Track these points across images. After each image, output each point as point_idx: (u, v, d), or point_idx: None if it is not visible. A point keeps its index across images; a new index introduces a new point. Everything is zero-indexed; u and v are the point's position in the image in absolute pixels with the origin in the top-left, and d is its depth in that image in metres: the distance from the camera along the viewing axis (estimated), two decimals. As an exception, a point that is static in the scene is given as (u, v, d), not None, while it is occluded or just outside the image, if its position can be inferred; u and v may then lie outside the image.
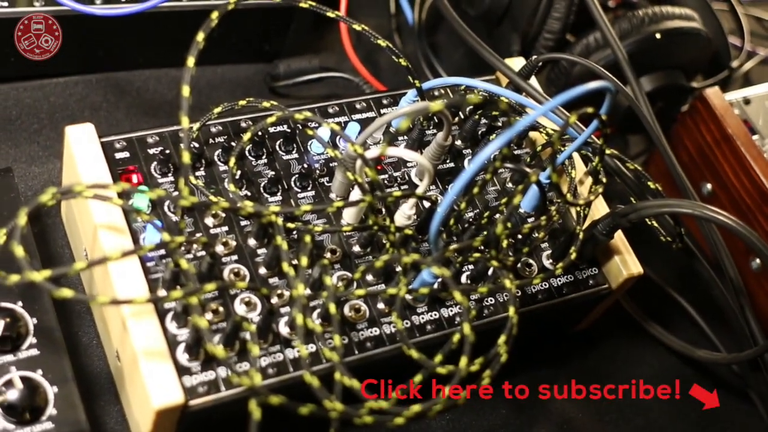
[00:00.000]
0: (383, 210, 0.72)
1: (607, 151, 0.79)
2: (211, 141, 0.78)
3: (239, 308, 0.70)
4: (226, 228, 0.74)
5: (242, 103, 0.77)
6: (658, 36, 0.95)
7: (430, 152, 0.79)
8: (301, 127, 0.79)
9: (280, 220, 0.69)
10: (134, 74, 0.94)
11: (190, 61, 0.66)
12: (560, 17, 0.96)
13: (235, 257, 0.72)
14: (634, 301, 0.92)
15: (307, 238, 0.69)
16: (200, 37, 0.67)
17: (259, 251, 0.73)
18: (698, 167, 0.97)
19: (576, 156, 0.82)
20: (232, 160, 0.74)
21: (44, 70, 0.89)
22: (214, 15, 0.68)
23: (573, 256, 0.76)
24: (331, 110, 0.83)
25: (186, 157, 0.66)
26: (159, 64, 0.95)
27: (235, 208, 0.69)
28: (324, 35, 1.04)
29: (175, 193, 0.73)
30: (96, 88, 0.92)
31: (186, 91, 0.65)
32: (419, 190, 0.74)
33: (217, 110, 0.77)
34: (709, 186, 0.96)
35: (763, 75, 1.17)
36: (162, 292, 0.69)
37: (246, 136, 0.75)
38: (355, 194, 0.75)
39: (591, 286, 0.81)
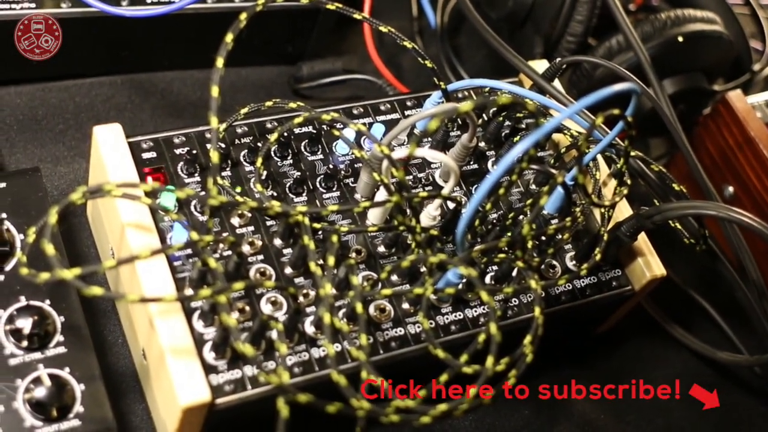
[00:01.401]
0: (408, 210, 0.73)
1: (632, 153, 0.79)
2: (237, 142, 0.78)
3: (265, 307, 0.70)
4: (251, 228, 0.74)
5: (269, 103, 0.78)
6: (680, 39, 0.95)
7: (455, 153, 0.79)
8: (327, 128, 0.80)
9: (307, 220, 0.70)
10: (159, 75, 0.95)
11: (220, 62, 0.67)
12: (582, 20, 0.96)
13: (261, 257, 0.73)
14: (656, 302, 0.92)
15: (334, 238, 0.69)
16: (229, 38, 0.67)
17: (285, 251, 0.74)
18: (720, 170, 0.97)
19: (600, 158, 0.83)
20: (260, 160, 0.75)
21: (71, 69, 0.90)
22: (243, 16, 0.68)
23: (598, 257, 0.76)
24: (355, 111, 0.83)
25: (215, 157, 0.66)
26: (183, 66, 0.96)
27: (263, 208, 0.69)
28: (347, 37, 1.04)
29: (203, 193, 0.74)
30: (121, 89, 0.93)
31: (215, 91, 0.66)
32: (445, 191, 0.74)
33: (243, 111, 0.77)
34: (731, 189, 0.96)
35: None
36: (189, 291, 0.69)
37: (273, 137, 0.75)
38: (381, 195, 0.75)
39: (614, 287, 0.81)
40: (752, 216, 0.72)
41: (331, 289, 0.69)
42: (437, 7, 1.08)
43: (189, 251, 0.71)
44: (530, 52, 0.99)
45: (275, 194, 0.76)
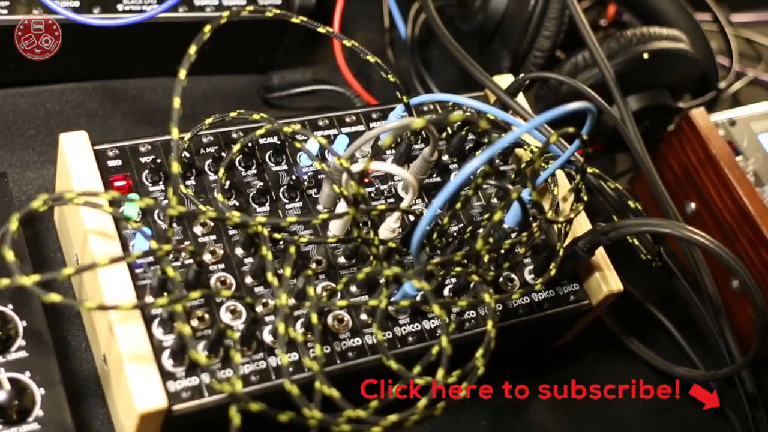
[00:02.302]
0: (369, 223, 0.74)
1: (589, 170, 0.81)
2: (202, 151, 0.79)
3: (225, 316, 0.71)
4: (214, 237, 0.75)
5: (233, 114, 0.79)
6: (645, 56, 0.96)
7: (416, 167, 0.80)
8: (290, 140, 0.81)
9: (266, 231, 0.71)
10: (130, 83, 0.96)
11: (182, 74, 0.68)
12: (550, 36, 0.98)
13: (222, 266, 0.74)
14: (616, 316, 0.93)
15: (292, 249, 0.70)
16: (192, 50, 0.68)
17: (246, 260, 0.75)
18: (683, 186, 0.99)
19: (560, 173, 0.84)
20: (222, 171, 0.76)
21: (41, 74, 0.91)
22: (207, 28, 0.69)
23: (552, 272, 0.77)
24: (321, 123, 0.84)
25: (175, 168, 0.67)
26: (155, 74, 0.97)
27: (223, 218, 0.70)
28: (318, 49, 1.05)
29: (165, 202, 0.75)
30: (92, 95, 0.94)
31: (177, 102, 0.67)
32: (403, 204, 0.75)
33: (208, 121, 0.78)
34: (692, 205, 0.98)
35: (751, 96, 1.18)
36: (149, 299, 0.70)
37: (235, 148, 0.76)
38: (342, 206, 0.77)
39: (571, 302, 0.82)
40: (705, 235, 0.73)
41: (289, 300, 0.70)
42: (408, 20, 1.09)
43: (151, 259, 0.72)
44: (498, 66, 1.00)
45: (238, 204, 0.77)
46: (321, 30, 0.77)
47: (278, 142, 0.81)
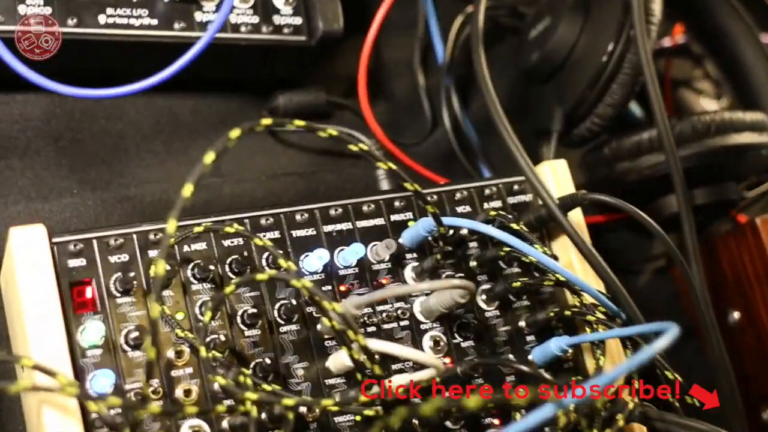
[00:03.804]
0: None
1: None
2: (185, 248, 0.65)
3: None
4: (190, 370, 0.63)
5: (199, 230, 0.64)
6: (722, 152, 0.81)
7: (441, 297, 0.67)
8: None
9: (255, 411, 0.59)
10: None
11: (188, 190, 0.52)
12: (614, 104, 0.81)
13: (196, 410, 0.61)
14: None
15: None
16: (209, 158, 0.53)
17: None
18: (730, 292, 0.86)
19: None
20: (208, 315, 0.61)
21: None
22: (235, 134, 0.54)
23: None
24: (332, 212, 0.70)
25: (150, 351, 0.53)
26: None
27: (207, 411, 0.59)
28: (336, 62, 0.87)
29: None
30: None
31: (172, 226, 0.52)
32: (417, 377, 0.63)
33: (197, 230, 0.64)
34: (736, 315, 0.85)
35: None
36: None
37: (228, 289, 0.61)
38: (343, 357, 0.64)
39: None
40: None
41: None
42: (448, 41, 0.90)
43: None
44: (546, 121, 0.84)
45: (223, 324, 0.64)
46: (322, 134, 0.60)
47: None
